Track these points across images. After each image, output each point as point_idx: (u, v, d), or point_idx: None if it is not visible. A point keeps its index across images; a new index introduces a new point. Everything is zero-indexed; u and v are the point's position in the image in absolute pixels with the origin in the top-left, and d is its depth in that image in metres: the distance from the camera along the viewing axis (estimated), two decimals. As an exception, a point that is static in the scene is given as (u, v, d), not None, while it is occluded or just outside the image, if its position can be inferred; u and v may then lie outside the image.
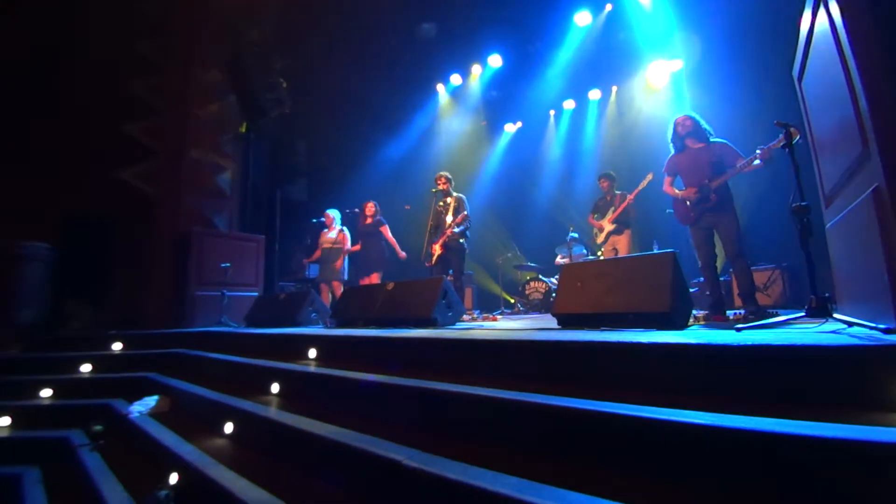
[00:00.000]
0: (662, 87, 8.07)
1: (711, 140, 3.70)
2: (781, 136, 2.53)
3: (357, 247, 6.44)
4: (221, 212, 6.75)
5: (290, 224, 8.49)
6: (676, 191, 3.85)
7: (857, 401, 1.29)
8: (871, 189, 1.58)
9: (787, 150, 2.32)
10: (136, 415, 3.40)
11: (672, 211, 4.06)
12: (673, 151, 3.90)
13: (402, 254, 6.24)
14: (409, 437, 1.81)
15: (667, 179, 3.97)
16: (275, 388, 2.93)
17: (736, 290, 4.96)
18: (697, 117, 3.75)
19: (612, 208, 5.53)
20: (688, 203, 3.69)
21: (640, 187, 5.29)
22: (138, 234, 6.15)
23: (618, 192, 5.63)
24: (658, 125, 7.95)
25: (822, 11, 1.91)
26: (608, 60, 8.27)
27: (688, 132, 3.73)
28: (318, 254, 6.53)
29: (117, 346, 4.82)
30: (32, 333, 5.08)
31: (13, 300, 5.13)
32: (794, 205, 2.17)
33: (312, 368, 2.89)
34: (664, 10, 7.16)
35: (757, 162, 3.36)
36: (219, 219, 6.66)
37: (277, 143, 8.93)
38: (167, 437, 2.83)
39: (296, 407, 2.54)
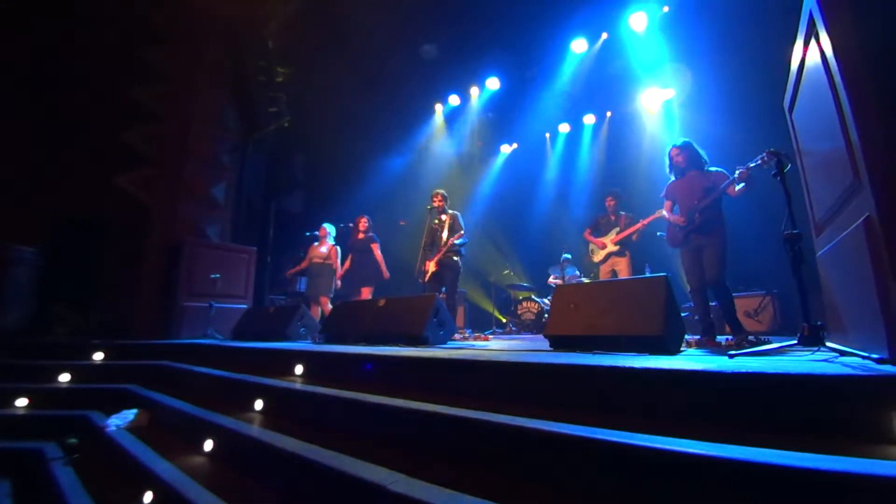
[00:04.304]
0: (655, 114, 8.24)
1: (708, 168, 3.77)
2: (759, 157, 2.60)
3: (346, 265, 6.37)
4: (214, 222, 6.70)
5: (284, 236, 8.44)
6: (671, 216, 3.90)
7: (850, 431, 1.28)
8: (862, 219, 1.59)
9: (778, 178, 2.35)
10: (114, 428, 3.29)
11: (664, 234, 4.09)
12: (672, 178, 3.97)
13: (387, 273, 6.15)
14: (396, 459, 1.76)
15: (666, 204, 4.02)
16: (258, 404, 2.85)
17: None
18: (692, 145, 3.82)
19: (617, 229, 5.38)
20: (677, 227, 3.76)
21: (653, 218, 4.99)
22: (130, 241, 6.07)
23: (622, 212, 5.48)
24: (651, 150, 8.12)
25: (813, 45, 1.96)
26: (603, 86, 8.46)
27: (680, 162, 3.82)
28: (304, 264, 6.45)
29: (99, 356, 4.69)
30: (15, 338, 4.94)
31: (-5, 305, 5.01)
32: (785, 232, 2.18)
33: (298, 385, 2.82)
34: (657, 41, 7.37)
35: (740, 185, 3.40)
36: (211, 229, 6.61)
37: (275, 156, 8.96)
38: (144, 453, 2.73)
39: (279, 425, 2.47)
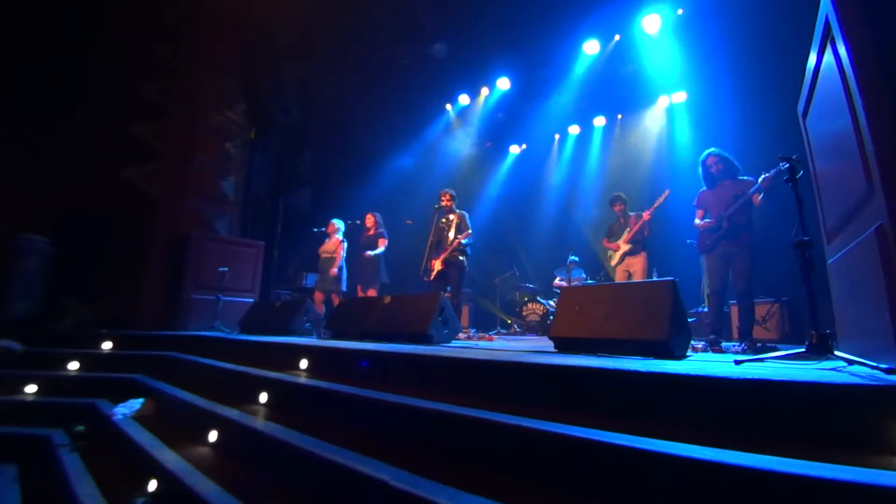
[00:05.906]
0: (666, 117, 8.18)
1: (739, 176, 3.78)
2: (784, 167, 2.56)
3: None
4: (223, 216, 6.76)
5: (292, 232, 8.49)
6: (703, 223, 3.91)
7: (857, 442, 1.26)
8: (874, 227, 1.57)
9: (790, 184, 2.33)
10: (120, 417, 3.33)
11: (694, 242, 4.09)
12: (705, 187, 3.96)
13: (369, 254, 6.10)
14: (398, 455, 1.77)
15: (698, 213, 4.01)
16: (263, 397, 2.87)
17: (734, 323, 4.94)
18: (726, 154, 3.83)
19: (628, 229, 5.40)
20: (707, 233, 3.77)
21: (657, 204, 5.14)
22: (139, 234, 6.15)
23: (631, 213, 5.50)
24: (661, 154, 8.07)
25: (828, 52, 1.94)
26: (614, 89, 8.40)
27: (719, 170, 3.82)
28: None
29: (107, 346, 4.76)
30: (24, 328, 5.01)
31: (6, 293, 5.08)
32: (796, 239, 2.16)
33: (302, 379, 2.84)
34: (670, 44, 7.30)
35: (760, 196, 3.42)
36: (219, 223, 6.67)
37: (284, 152, 9.01)
38: (149, 441, 2.76)
39: (283, 418, 2.49)
